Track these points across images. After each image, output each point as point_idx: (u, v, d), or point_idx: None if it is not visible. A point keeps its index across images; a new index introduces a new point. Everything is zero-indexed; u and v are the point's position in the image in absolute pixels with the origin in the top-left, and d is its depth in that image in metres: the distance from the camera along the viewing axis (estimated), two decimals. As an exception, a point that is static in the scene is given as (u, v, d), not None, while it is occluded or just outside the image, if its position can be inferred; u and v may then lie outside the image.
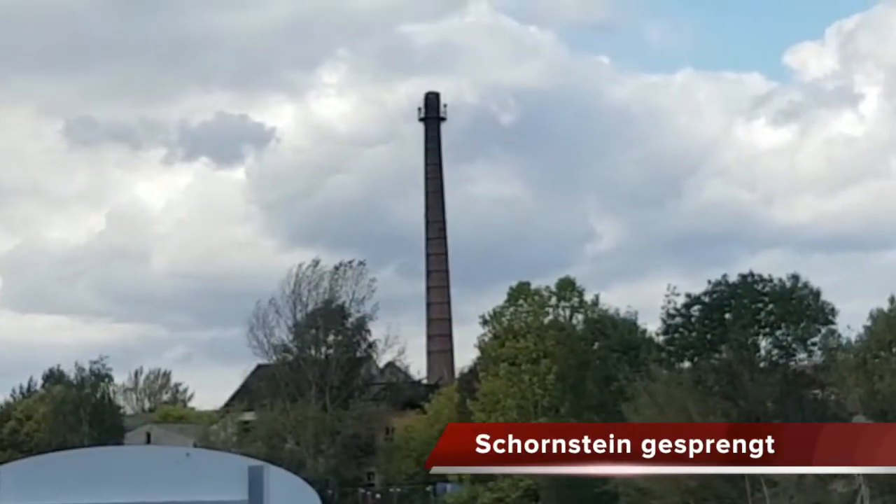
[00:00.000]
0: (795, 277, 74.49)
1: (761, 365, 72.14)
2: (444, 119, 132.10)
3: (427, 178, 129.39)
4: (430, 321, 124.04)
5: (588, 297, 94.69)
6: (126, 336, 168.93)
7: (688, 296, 76.06)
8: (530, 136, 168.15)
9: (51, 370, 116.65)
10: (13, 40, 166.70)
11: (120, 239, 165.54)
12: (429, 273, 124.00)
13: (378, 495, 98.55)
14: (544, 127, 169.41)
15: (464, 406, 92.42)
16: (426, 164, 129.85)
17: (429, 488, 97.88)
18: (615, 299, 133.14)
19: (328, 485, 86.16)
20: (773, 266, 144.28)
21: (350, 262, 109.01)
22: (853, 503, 52.34)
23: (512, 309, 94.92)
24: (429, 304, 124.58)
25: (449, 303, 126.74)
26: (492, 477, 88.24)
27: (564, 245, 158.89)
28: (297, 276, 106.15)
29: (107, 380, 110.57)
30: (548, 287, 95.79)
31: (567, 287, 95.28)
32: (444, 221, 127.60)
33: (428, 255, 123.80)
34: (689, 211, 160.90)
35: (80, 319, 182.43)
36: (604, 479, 70.68)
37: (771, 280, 74.92)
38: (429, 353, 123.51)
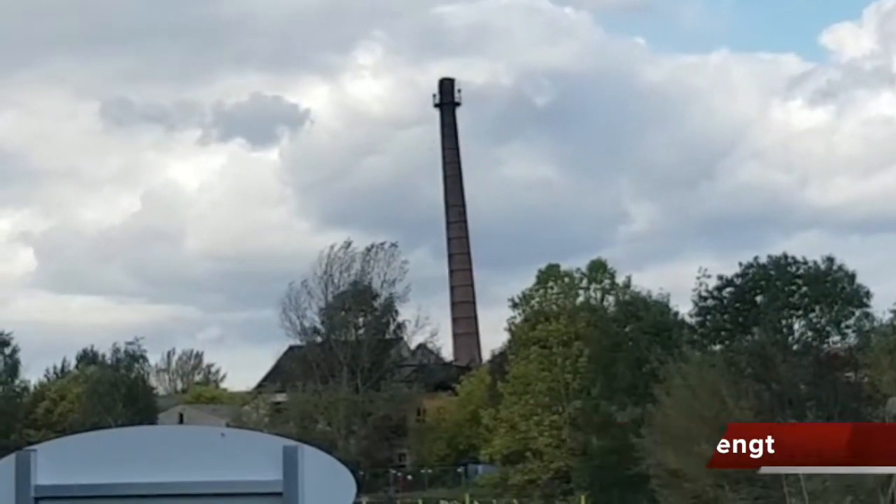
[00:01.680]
0: (830, 259, 74.13)
1: (794, 347, 71.85)
2: (459, 104, 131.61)
3: (445, 163, 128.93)
4: (454, 304, 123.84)
5: (620, 280, 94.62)
6: (160, 317, 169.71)
7: (720, 278, 75.80)
8: (565, 118, 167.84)
9: (84, 351, 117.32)
10: (49, 23, 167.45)
11: (154, 220, 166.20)
12: (451, 256, 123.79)
13: (409, 476, 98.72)
14: (579, 109, 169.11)
15: (495, 388, 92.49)
16: (443, 149, 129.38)
17: (460, 469, 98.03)
18: (648, 281, 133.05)
19: (359, 466, 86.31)
20: (808, 248, 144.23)
21: (382, 243, 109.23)
22: (888, 485, 52.19)
23: (542, 291, 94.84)
24: (452, 288, 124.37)
25: (472, 285, 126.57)
26: (522, 458, 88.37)
27: (597, 227, 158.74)
28: (328, 257, 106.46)
29: (141, 360, 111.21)
30: (578, 269, 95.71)
31: (598, 269, 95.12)
32: (463, 205, 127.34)
33: (449, 239, 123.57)
34: (723, 193, 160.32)
35: (114, 300, 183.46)
36: (635, 461, 70.70)
37: (805, 262, 74.60)
38: (455, 335, 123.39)
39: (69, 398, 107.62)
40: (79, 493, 4.90)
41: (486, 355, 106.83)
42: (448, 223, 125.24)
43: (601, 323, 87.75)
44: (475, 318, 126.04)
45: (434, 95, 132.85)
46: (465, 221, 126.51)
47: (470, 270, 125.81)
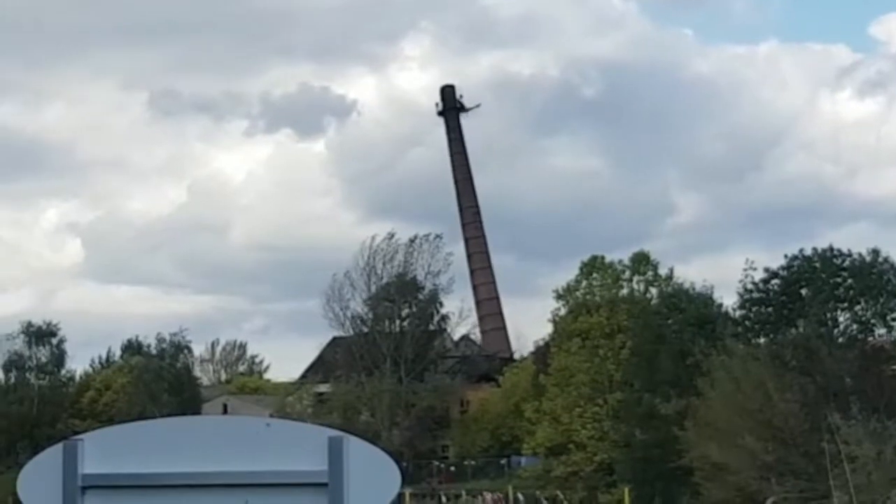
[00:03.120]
0: (875, 252, 73.66)
1: (839, 340, 71.41)
2: (462, 109, 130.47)
3: (454, 167, 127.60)
4: (478, 303, 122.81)
5: (662, 271, 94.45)
6: (205, 307, 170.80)
7: (766, 270, 75.48)
8: (612, 110, 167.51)
9: (129, 341, 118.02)
10: (98, 14, 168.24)
11: (201, 210, 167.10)
12: (469, 256, 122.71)
13: (452, 468, 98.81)
14: (626, 100, 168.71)
15: (538, 380, 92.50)
16: (451, 155, 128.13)
17: (503, 461, 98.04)
18: (694, 273, 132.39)
19: (402, 457, 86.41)
20: (856, 240, 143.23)
21: (426, 235, 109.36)
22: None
23: (585, 283, 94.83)
24: (475, 287, 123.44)
25: (494, 282, 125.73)
26: (565, 450, 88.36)
27: (644, 218, 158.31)
28: (370, 248, 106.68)
29: (185, 351, 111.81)
30: (621, 261, 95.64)
31: (642, 261, 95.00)
32: (477, 206, 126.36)
33: (466, 240, 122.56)
34: (771, 184, 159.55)
35: (160, 290, 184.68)
36: (678, 454, 70.51)
37: (850, 254, 74.16)
38: (483, 333, 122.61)
39: (114, 388, 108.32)
40: (125, 483, 4.92)
41: (529, 346, 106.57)
42: (463, 224, 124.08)
43: (644, 315, 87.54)
44: (500, 313, 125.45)
45: (437, 104, 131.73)
46: (479, 221, 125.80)
47: (490, 268, 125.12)
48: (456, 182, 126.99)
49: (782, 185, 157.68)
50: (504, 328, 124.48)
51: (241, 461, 4.94)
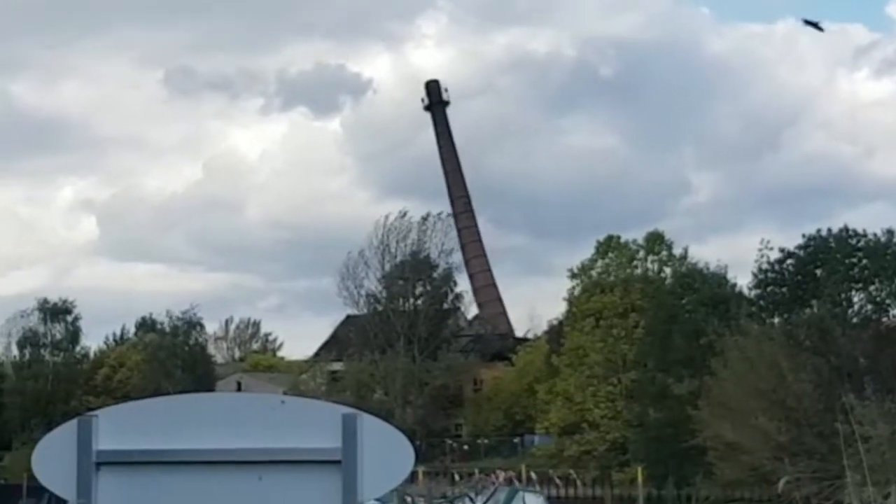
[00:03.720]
0: (891, 232, 73.54)
1: (854, 320, 71.35)
2: (448, 103, 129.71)
3: (443, 160, 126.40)
4: (475, 290, 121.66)
5: (677, 251, 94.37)
6: (220, 285, 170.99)
7: (781, 250, 75.40)
8: (629, 89, 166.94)
9: (143, 318, 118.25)
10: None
11: (216, 188, 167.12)
12: (464, 247, 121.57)
13: (465, 446, 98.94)
14: (643, 79, 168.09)
15: (552, 359, 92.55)
16: (440, 147, 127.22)
17: (516, 440, 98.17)
18: (709, 253, 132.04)
19: (416, 435, 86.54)
20: (873, 220, 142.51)
21: (439, 213, 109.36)
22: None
23: (600, 262, 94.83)
24: (471, 275, 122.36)
25: (490, 270, 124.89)
26: (578, 429, 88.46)
27: (660, 198, 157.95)
28: (384, 227, 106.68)
29: (198, 328, 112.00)
30: (635, 240, 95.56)
31: (656, 240, 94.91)
32: (467, 196, 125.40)
33: (459, 231, 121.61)
34: (787, 164, 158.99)
35: (175, 268, 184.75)
36: (692, 434, 70.51)
37: (865, 235, 74.07)
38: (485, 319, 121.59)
39: (128, 365, 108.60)
40: (139, 459, 4.94)
41: (543, 326, 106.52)
42: (455, 215, 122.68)
43: (658, 295, 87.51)
44: (499, 299, 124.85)
45: (422, 100, 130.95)
46: (471, 210, 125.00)
47: (485, 255, 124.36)
48: (446, 173, 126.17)
49: (798, 165, 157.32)
50: (504, 312, 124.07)
51: (256, 438, 4.95)
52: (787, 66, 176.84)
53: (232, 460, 4.93)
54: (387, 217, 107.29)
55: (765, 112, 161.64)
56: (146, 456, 4.92)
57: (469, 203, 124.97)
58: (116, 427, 4.96)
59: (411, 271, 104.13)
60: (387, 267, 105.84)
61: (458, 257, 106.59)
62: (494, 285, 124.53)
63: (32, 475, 5.07)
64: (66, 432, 4.97)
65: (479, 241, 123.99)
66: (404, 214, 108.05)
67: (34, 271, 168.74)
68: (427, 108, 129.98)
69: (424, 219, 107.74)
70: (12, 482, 51.30)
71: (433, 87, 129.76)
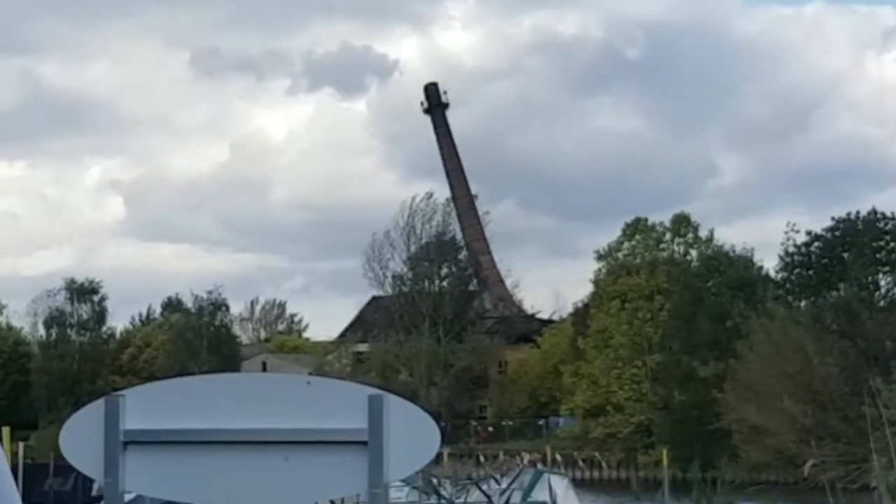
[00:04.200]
0: (918, 215, 73.35)
1: (881, 303, 71.16)
2: (447, 105, 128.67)
3: (445, 161, 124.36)
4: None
5: (703, 233, 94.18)
6: (246, 266, 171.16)
7: (808, 233, 75.20)
8: (656, 71, 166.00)
9: (169, 298, 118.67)
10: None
11: (242, 169, 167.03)
12: (468, 245, 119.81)
13: (490, 428, 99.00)
14: (670, 61, 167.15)
15: (577, 341, 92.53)
16: (440, 149, 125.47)
17: (541, 422, 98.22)
18: (736, 235, 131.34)
19: (440, 417, 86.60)
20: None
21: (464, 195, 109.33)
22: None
23: (627, 245, 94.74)
24: (481, 279, 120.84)
25: (496, 267, 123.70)
26: (603, 411, 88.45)
27: (686, 180, 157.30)
28: (410, 208, 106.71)
29: (224, 309, 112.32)
30: (662, 223, 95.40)
31: (682, 223, 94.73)
32: (470, 195, 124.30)
33: (463, 229, 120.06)
34: (815, 146, 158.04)
35: (201, 248, 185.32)
36: (717, 416, 70.45)
37: (893, 217, 73.80)
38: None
39: (154, 345, 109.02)
40: (166, 438, 4.95)
41: (568, 308, 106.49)
42: (459, 215, 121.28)
43: (683, 277, 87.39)
44: (510, 298, 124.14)
45: (421, 103, 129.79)
46: (474, 209, 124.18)
47: (490, 254, 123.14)
48: (448, 174, 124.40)
49: (826, 148, 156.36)
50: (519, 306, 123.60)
51: (282, 418, 4.95)
52: (816, 48, 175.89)
53: (258, 440, 4.94)
54: (413, 198, 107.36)
55: (792, 94, 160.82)
56: (173, 435, 4.94)
57: (472, 201, 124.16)
58: (143, 406, 4.97)
59: (436, 253, 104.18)
60: (412, 248, 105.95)
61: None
62: (502, 281, 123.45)
63: (59, 455, 5.10)
64: (93, 412, 4.99)
65: (484, 239, 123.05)
66: (430, 196, 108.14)
67: (61, 251, 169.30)
68: (426, 111, 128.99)
69: (449, 200, 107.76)
70: (39, 461, 51.45)
71: (432, 90, 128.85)
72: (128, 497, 5.15)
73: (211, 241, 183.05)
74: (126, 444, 4.93)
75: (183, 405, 4.98)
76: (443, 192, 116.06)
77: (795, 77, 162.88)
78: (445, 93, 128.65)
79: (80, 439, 4.98)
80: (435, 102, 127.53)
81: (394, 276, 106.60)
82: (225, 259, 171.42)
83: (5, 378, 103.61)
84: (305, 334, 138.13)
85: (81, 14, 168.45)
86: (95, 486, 42.58)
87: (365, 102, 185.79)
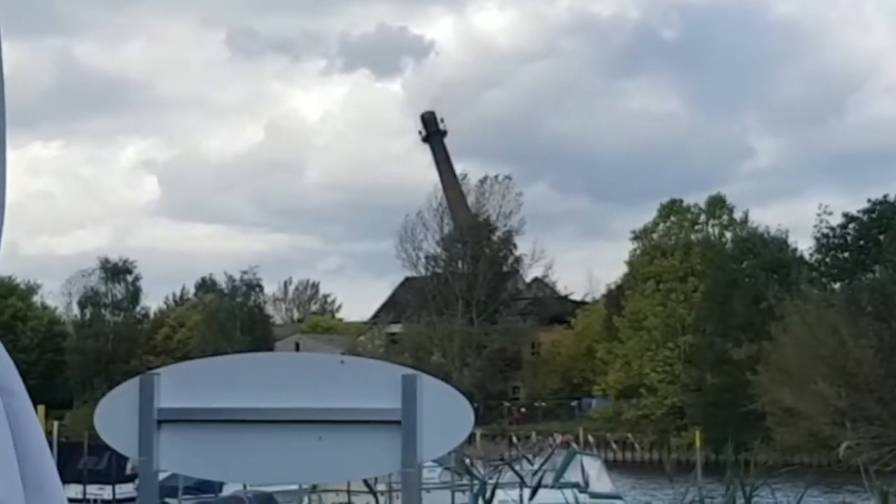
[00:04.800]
0: (955, 197, 72.94)
1: (916, 286, 70.78)
2: (445, 133, 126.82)
3: (446, 189, 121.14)
4: None
5: (738, 215, 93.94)
6: (280, 246, 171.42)
7: (844, 215, 74.88)
8: (692, 52, 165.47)
9: (203, 279, 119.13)
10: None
11: (277, 150, 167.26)
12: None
13: (523, 409, 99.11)
14: (707, 42, 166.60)
15: (610, 322, 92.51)
16: (440, 176, 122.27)
17: (574, 403, 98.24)
18: (771, 217, 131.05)
19: (473, 398, 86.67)
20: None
21: (496, 176, 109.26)
22: None
23: (662, 226, 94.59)
24: None
25: None
26: (636, 393, 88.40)
27: (721, 162, 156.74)
28: (443, 189, 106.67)
29: (257, 289, 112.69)
30: (697, 205, 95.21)
31: (717, 205, 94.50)
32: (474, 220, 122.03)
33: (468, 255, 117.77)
34: (851, 128, 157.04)
35: (235, 229, 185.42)
36: (750, 398, 70.27)
37: (929, 200, 73.46)
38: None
39: (188, 325, 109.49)
40: (200, 417, 4.96)
41: (601, 289, 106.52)
42: (463, 243, 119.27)
43: (718, 259, 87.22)
44: None
45: (420, 132, 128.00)
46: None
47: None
48: (449, 202, 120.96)
49: (863, 130, 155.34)
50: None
51: (315, 398, 4.96)
52: (854, 30, 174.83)
53: (292, 419, 4.95)
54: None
55: (829, 76, 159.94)
56: (207, 414, 4.95)
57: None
58: (178, 385, 4.99)
59: (470, 234, 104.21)
60: (445, 229, 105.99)
61: (516, 219, 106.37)
62: None
63: (93, 433, 5.11)
64: (127, 390, 5.00)
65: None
66: (463, 177, 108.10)
67: (96, 231, 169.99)
68: (424, 139, 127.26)
69: (483, 181, 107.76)
70: (73, 440, 51.75)
71: (429, 118, 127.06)
72: (162, 475, 5.17)
73: (245, 221, 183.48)
74: (160, 422, 4.94)
75: (217, 384, 4.99)
76: (474, 172, 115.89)
77: (832, 59, 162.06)
78: (442, 120, 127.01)
79: (114, 418, 5.00)
80: (433, 130, 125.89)
81: (427, 257, 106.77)
82: (259, 240, 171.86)
83: (40, 357, 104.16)
84: (339, 315, 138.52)
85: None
86: (129, 465, 42.84)
87: (400, 83, 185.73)
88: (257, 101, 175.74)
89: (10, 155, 1.79)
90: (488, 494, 18.22)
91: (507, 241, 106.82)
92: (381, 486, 29.39)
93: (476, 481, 23.47)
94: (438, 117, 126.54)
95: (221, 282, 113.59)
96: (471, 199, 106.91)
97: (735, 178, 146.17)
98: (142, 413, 4.94)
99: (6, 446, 1.60)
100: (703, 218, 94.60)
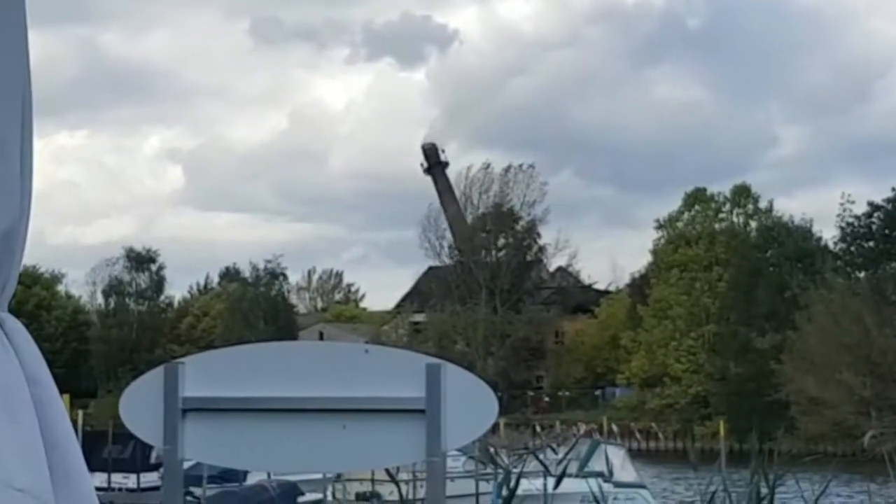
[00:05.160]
0: (981, 186, 72.62)
1: (941, 275, 70.54)
2: (447, 164, 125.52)
3: (450, 223, 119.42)
4: None
5: (763, 204, 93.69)
6: (304, 235, 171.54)
7: (869, 203, 74.63)
8: (717, 40, 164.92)
9: (227, 268, 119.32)
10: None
11: (301, 139, 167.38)
12: None
13: (546, 398, 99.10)
14: (731, 30, 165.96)
15: (634, 311, 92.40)
16: (445, 211, 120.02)
17: (597, 392, 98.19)
18: (796, 206, 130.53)
19: (497, 387, 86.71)
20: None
21: (520, 165, 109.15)
22: None
23: (686, 215, 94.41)
24: None
25: None
26: (660, 382, 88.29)
27: (745, 150, 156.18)
28: (467, 178, 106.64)
29: (281, 278, 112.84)
30: (721, 193, 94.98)
31: (742, 193, 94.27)
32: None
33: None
34: (877, 116, 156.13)
35: (260, 218, 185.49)
36: (774, 388, 70.15)
37: (955, 189, 73.17)
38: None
39: (212, 314, 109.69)
40: (225, 406, 4.97)
41: (625, 278, 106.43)
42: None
43: (742, 248, 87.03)
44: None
45: (421, 164, 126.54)
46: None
47: None
48: (453, 234, 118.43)
49: (888, 118, 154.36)
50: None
51: (340, 387, 4.96)
52: (879, 17, 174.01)
53: (316, 408, 4.95)
54: (468, 169, 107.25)
55: (855, 64, 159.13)
56: (232, 403, 4.95)
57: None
58: (203, 374, 4.99)
59: (493, 223, 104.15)
60: (469, 218, 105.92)
61: (540, 209, 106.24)
62: None
63: (118, 422, 5.12)
64: (152, 379, 5.01)
65: None
66: (487, 166, 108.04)
67: (120, 220, 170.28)
68: (426, 171, 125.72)
69: (506, 170, 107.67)
70: (98, 429, 51.92)
71: (430, 151, 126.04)
72: (187, 464, 5.18)
73: (269, 210, 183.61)
74: (185, 411, 4.95)
75: (242, 373, 4.99)
76: (498, 161, 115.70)
77: (858, 46, 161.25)
78: (444, 151, 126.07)
79: (139, 406, 5.01)
80: (434, 162, 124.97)
81: (450, 247, 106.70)
82: (283, 229, 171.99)
83: (64, 347, 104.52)
84: (362, 304, 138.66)
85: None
86: (154, 454, 42.97)
87: (424, 72, 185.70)
88: (281, 89, 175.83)
89: (36, 144, 1.79)
90: (512, 483, 18.19)
91: (531, 230, 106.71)
92: (404, 476, 29.43)
93: (500, 470, 23.49)
94: (440, 148, 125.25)
95: (245, 271, 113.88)
96: (494, 188, 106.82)
97: (759, 166, 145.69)
98: (167, 402, 4.95)
99: (33, 436, 1.60)
100: (727, 207, 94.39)
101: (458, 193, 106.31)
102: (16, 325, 1.66)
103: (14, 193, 1.67)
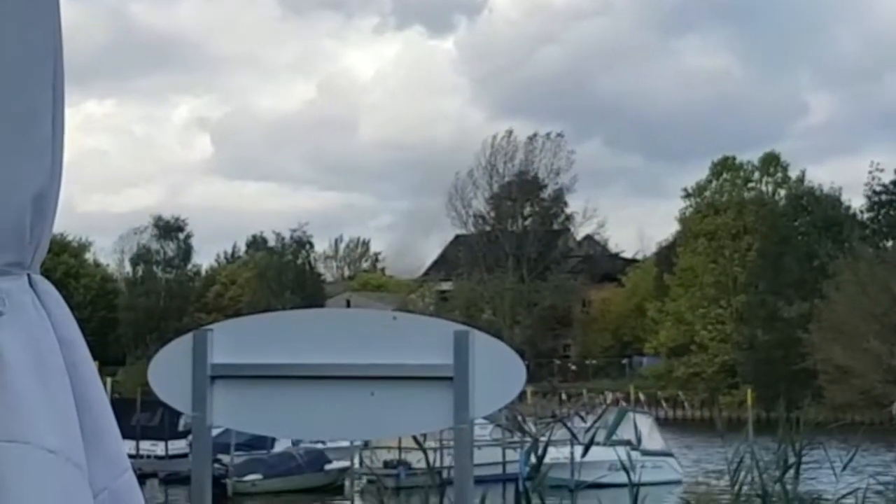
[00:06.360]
0: None
1: (970, 244, 70.22)
2: None
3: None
4: None
5: (793, 173, 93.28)
6: (332, 204, 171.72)
7: (896, 172, 74.31)
8: (746, 8, 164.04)
9: (254, 237, 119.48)
10: None
11: (329, 108, 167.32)
12: None
13: (573, 367, 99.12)
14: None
15: (661, 280, 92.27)
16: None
17: (624, 361, 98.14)
18: (825, 175, 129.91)
19: (524, 356, 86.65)
20: None
21: (547, 133, 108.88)
22: None
23: (715, 183, 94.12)
24: None
25: None
26: (687, 351, 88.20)
27: (775, 119, 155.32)
28: (492, 146, 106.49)
29: (308, 247, 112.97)
30: (750, 161, 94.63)
31: (771, 162, 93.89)
32: None
33: None
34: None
35: (287, 186, 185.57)
36: (802, 357, 70.00)
37: (984, 157, 72.68)
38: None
39: (239, 283, 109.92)
40: (253, 373, 4.98)
41: (652, 247, 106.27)
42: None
43: (770, 217, 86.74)
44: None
45: None
46: None
47: None
48: None
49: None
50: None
51: (368, 354, 4.97)
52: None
53: (344, 375, 4.96)
54: (493, 137, 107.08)
55: (886, 32, 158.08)
56: (260, 370, 4.96)
57: None
58: (231, 341, 5.00)
59: (519, 192, 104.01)
60: (494, 187, 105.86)
61: (567, 177, 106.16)
62: None
63: (146, 390, 5.15)
64: (181, 346, 5.02)
65: None
66: (510, 134, 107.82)
67: (149, 189, 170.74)
68: None
69: (531, 139, 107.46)
70: (127, 396, 52.22)
71: None
72: (215, 431, 5.20)
73: (297, 179, 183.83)
74: (213, 378, 4.96)
75: (270, 340, 5.00)
76: (527, 130, 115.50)
77: (889, 14, 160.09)
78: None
79: (168, 373, 5.02)
80: None
81: (475, 216, 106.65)
82: (310, 197, 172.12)
83: (93, 314, 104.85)
84: (389, 273, 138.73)
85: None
86: (182, 421, 43.21)
87: (453, 41, 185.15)
88: (310, 58, 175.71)
89: (66, 112, 1.80)
90: (540, 451, 18.22)
91: (558, 198, 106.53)
92: (432, 443, 29.49)
93: (527, 438, 23.51)
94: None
95: (272, 239, 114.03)
96: (519, 156, 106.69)
97: (789, 135, 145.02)
98: (195, 369, 4.96)
99: (66, 397, 1.61)
100: (756, 175, 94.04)
101: (482, 162, 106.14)
102: (48, 287, 1.67)
103: (46, 158, 1.68)
